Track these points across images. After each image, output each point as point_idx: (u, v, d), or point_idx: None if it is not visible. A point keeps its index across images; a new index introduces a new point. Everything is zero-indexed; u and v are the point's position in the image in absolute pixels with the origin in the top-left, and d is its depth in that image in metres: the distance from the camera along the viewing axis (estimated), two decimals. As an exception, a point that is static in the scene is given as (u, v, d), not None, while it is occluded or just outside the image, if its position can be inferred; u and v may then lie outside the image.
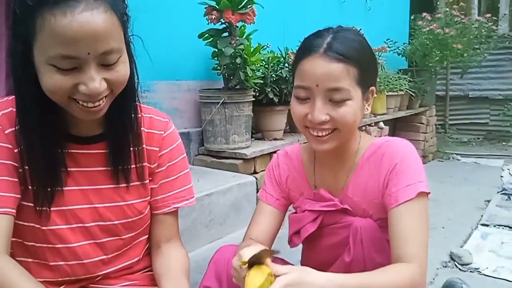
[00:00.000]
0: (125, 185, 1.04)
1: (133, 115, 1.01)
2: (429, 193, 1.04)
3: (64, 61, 0.81)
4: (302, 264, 1.24)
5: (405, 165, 1.05)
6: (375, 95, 1.12)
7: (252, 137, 2.71)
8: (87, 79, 0.83)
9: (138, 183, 1.06)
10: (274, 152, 2.68)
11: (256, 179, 2.40)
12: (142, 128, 1.06)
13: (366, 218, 1.12)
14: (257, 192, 2.38)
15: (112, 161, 1.02)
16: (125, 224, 1.05)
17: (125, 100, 0.97)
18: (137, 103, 1.02)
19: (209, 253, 1.32)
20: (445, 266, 2.26)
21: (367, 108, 1.11)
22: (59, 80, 0.82)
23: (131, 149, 1.02)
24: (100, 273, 1.07)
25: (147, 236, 1.15)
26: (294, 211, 1.29)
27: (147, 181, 1.08)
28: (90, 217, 1.02)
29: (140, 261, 1.15)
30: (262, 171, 2.51)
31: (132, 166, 1.04)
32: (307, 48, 1.04)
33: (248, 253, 0.90)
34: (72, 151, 1.00)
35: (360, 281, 0.89)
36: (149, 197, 1.09)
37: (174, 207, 1.12)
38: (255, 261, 0.89)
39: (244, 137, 2.54)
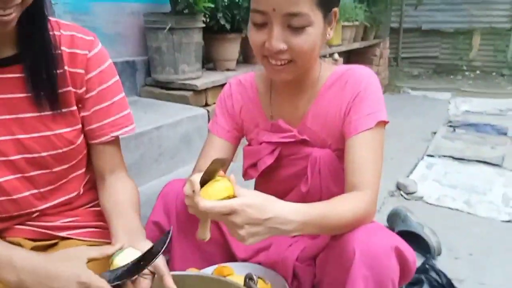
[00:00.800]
0: (49, 112, 0.94)
1: (46, 32, 0.89)
2: (387, 122, 1.04)
3: None
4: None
5: (367, 93, 1.04)
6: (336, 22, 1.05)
7: (203, 67, 2.57)
8: None
9: (64, 110, 0.96)
10: (227, 83, 2.62)
11: (208, 111, 2.32)
12: (62, 48, 0.94)
13: (325, 148, 1.11)
14: (209, 124, 2.31)
15: (30, 86, 0.90)
16: (54, 156, 0.97)
17: (34, 15, 0.85)
18: (50, 18, 0.90)
19: (159, 187, 1.29)
20: (392, 195, 2.35)
21: (329, 34, 1.04)
22: None
23: (51, 72, 0.91)
24: (34, 210, 1.00)
25: (84, 169, 1.07)
26: (248, 143, 1.23)
27: (74, 107, 0.98)
28: (13, 150, 0.93)
29: (80, 196, 1.08)
30: (214, 103, 2.42)
31: (56, 92, 0.93)
32: None
33: (197, 178, 0.84)
34: None
35: (322, 210, 0.89)
36: (80, 126, 1.00)
37: (113, 136, 1.04)
38: (207, 179, 0.83)
39: (194, 67, 2.40)
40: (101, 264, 0.87)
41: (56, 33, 0.93)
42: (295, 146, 1.13)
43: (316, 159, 1.10)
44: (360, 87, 1.04)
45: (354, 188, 0.98)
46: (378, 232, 0.94)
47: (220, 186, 0.82)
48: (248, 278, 0.90)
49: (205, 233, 0.89)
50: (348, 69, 1.10)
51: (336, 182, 1.10)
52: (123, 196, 1.03)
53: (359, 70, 1.08)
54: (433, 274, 1.46)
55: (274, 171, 1.17)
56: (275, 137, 1.14)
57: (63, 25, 0.96)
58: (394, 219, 1.93)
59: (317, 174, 1.10)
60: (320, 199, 1.11)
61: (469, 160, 2.87)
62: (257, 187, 1.26)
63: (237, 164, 1.29)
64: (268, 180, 1.20)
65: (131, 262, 0.80)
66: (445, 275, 1.46)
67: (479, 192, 2.39)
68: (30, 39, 0.88)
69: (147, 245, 0.88)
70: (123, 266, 0.80)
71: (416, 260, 0.97)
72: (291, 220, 0.84)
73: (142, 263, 0.79)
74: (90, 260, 0.83)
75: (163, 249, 0.79)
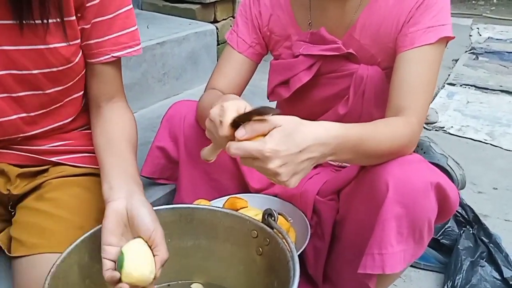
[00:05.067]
0: (40, 21, 0.77)
1: None
2: (452, 38, 0.90)
3: None
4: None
5: (434, 0, 0.88)
6: None
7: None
8: None
9: (58, 20, 0.79)
10: (238, -5, 2.37)
11: (217, 28, 2.12)
12: None
13: (373, 65, 0.96)
14: (218, 43, 2.12)
15: None
16: (48, 75, 0.83)
17: None
18: None
19: (163, 110, 1.18)
20: (411, 125, 2.22)
21: None
22: None
23: None
24: (22, 135, 0.88)
25: (82, 92, 0.94)
26: (275, 59, 1.09)
27: (73, 17, 0.81)
28: None
29: (74, 120, 0.96)
30: (224, 19, 2.22)
31: None
32: None
33: (232, 107, 0.66)
34: None
35: (359, 132, 0.75)
36: (79, 40, 0.85)
37: (114, 56, 0.88)
38: (243, 120, 0.66)
39: (202, -24, 2.16)
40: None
41: None
42: (338, 62, 0.98)
43: (362, 77, 0.96)
44: None
45: (399, 112, 0.85)
46: (416, 165, 0.83)
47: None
48: (267, 214, 0.78)
49: (212, 155, 0.75)
50: None
51: (380, 107, 0.97)
52: (118, 131, 0.89)
53: None
54: (459, 209, 1.37)
55: (307, 91, 1.03)
56: (315, 49, 0.98)
57: None
58: (415, 149, 1.81)
59: (360, 96, 0.97)
60: None
61: (492, 90, 2.70)
62: (282, 110, 1.11)
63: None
64: (297, 103, 1.05)
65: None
66: (472, 210, 1.36)
67: (503, 124, 2.27)
68: None
69: (143, 200, 0.74)
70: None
71: (458, 198, 0.85)
72: (324, 142, 0.68)
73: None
74: None
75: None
